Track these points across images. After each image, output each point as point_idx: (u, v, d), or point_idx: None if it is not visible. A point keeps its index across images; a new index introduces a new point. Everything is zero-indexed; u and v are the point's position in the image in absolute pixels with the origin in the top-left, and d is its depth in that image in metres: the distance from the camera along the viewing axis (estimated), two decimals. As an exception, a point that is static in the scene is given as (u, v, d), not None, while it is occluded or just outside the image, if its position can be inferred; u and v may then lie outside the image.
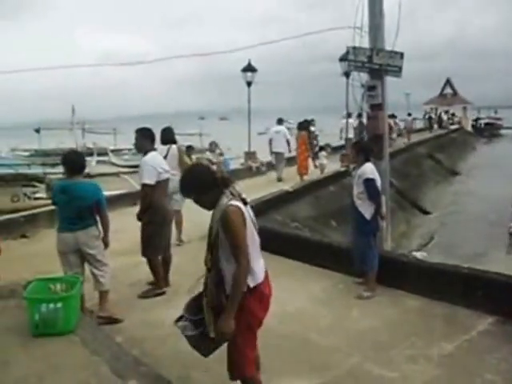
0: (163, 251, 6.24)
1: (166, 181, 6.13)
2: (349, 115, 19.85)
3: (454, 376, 4.24)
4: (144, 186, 5.85)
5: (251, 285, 3.19)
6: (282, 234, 8.11)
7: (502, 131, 58.51)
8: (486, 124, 57.92)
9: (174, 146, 8.26)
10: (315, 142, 17.31)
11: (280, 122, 15.95)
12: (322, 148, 17.08)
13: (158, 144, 8.69)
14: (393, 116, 27.78)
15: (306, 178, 14.77)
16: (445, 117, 45.42)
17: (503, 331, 4.97)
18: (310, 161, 16.01)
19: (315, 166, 16.70)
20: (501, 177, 23.58)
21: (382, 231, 6.78)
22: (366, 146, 6.59)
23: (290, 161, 16.20)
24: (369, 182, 6.00)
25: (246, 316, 3.20)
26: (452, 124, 46.71)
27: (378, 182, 6.12)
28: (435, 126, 41.71)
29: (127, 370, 3.79)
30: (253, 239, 3.26)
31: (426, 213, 18.26)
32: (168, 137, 8.43)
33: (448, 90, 53.42)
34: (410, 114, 34.77)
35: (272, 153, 15.52)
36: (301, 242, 7.67)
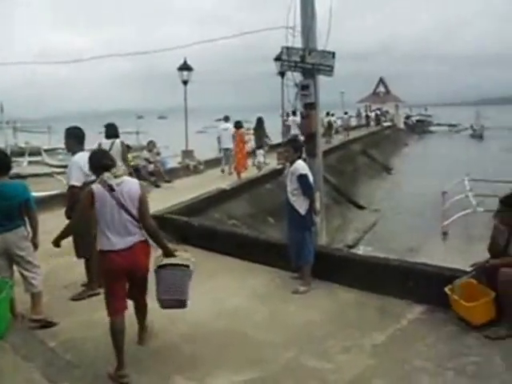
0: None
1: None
2: (294, 113, 20.10)
3: (386, 365, 4.38)
4: (71, 187, 5.70)
5: (98, 248, 4.22)
6: (219, 232, 8.13)
7: (432, 128, 60.80)
8: (417, 121, 60.02)
9: (117, 141, 9.00)
10: (266, 139, 17.92)
11: (227, 119, 16.75)
12: (259, 146, 17.19)
13: (102, 139, 9.42)
14: (328, 114, 28.48)
15: (243, 175, 14.86)
16: (372, 114, 46.63)
17: (432, 319, 5.19)
18: (262, 158, 16.48)
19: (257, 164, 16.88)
20: (431, 172, 24.50)
21: (317, 226, 6.91)
22: (300, 143, 6.75)
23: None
24: (302, 178, 6.13)
25: (101, 269, 4.25)
26: (384, 121, 48.09)
27: (311, 178, 6.27)
28: (372, 123, 43.02)
29: (60, 375, 3.72)
30: (112, 218, 4.07)
31: (361, 207, 18.78)
32: (112, 132, 9.27)
33: (381, 89, 54.96)
34: (346, 113, 35.85)
35: (221, 149, 16.17)
36: (238, 240, 7.71)
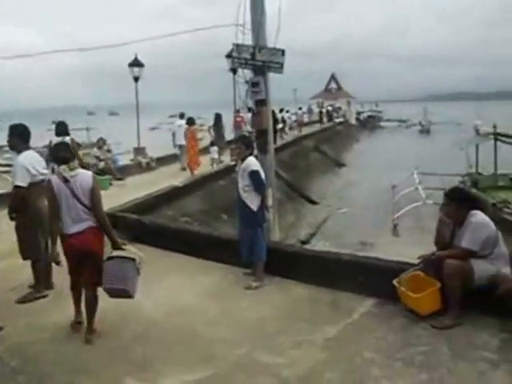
0: (43, 252, 5.91)
1: (42, 182, 5.50)
2: (249, 109, 20.06)
3: (337, 358, 4.44)
4: (16, 187, 5.49)
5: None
6: (171, 230, 8.07)
7: (382, 123, 62.11)
8: (369, 117, 61.18)
9: (67, 138, 9.50)
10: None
11: (182, 116, 16.97)
12: (213, 143, 17.15)
13: (52, 136, 10.08)
14: (282, 110, 28.67)
15: (196, 172, 14.80)
16: (316, 109, 47.14)
17: (383, 311, 5.29)
18: (216, 155, 16.52)
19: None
20: (382, 166, 25.02)
21: (269, 222, 6.94)
22: (251, 140, 6.77)
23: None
24: (254, 175, 6.14)
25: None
26: (336, 117, 48.77)
27: (263, 174, 6.28)
28: (324, 119, 43.59)
29: (3, 382, 3.58)
30: (67, 205, 4.62)
31: (314, 203, 18.98)
32: (62, 129, 9.97)
33: (333, 85, 55.58)
34: (300, 108, 36.20)
35: (175, 145, 16.68)
36: (191, 237, 7.66)
